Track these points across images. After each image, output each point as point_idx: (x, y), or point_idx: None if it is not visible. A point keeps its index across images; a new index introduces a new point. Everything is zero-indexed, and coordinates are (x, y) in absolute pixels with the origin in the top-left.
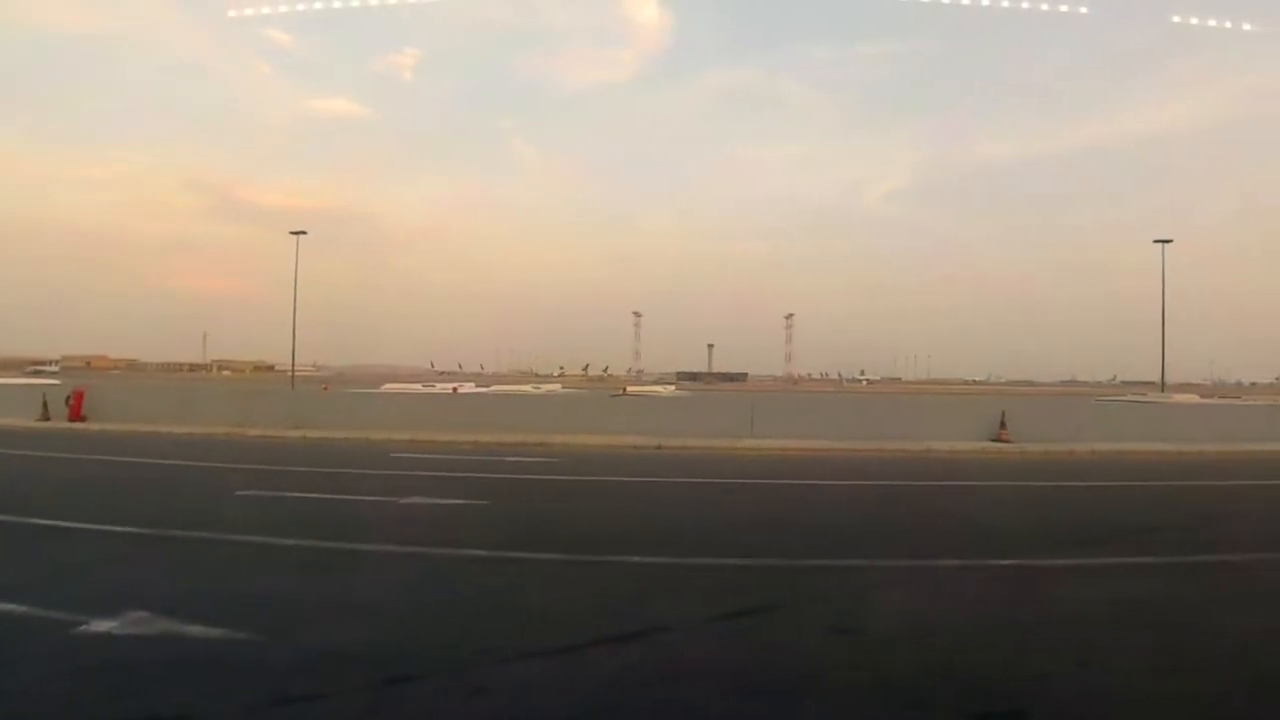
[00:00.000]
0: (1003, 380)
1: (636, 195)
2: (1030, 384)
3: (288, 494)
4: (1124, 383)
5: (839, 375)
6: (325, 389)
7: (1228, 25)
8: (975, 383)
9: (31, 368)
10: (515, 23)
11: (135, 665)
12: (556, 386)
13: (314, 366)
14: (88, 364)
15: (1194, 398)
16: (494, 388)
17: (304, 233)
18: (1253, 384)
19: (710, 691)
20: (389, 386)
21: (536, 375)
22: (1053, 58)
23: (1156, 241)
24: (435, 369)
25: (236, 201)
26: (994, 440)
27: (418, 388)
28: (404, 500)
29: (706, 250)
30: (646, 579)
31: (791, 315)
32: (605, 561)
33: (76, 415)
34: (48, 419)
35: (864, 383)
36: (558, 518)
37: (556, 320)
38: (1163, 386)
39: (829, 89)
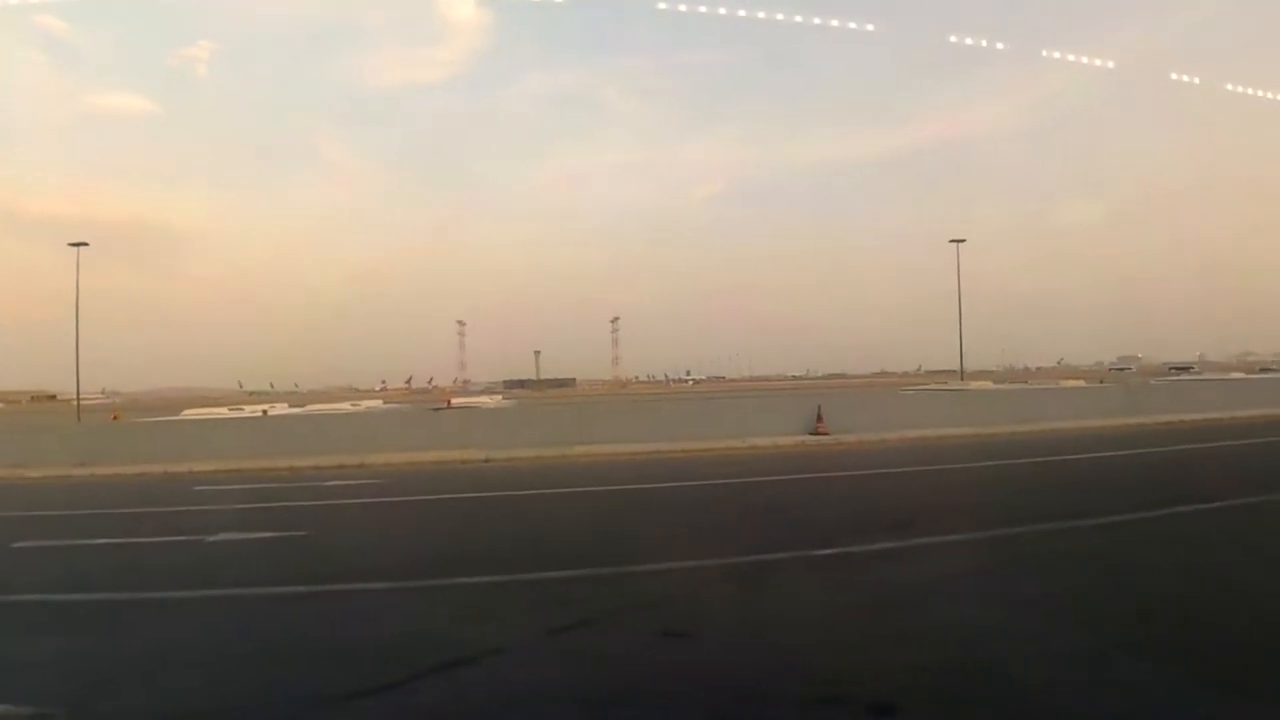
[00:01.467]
0: (819, 374)
1: (456, 200)
2: (844, 377)
3: (76, 542)
4: (928, 372)
5: (665, 376)
6: (115, 418)
7: (999, 46)
8: (795, 378)
9: None
10: (323, 17)
11: None
12: (378, 402)
13: (103, 393)
14: None
15: (989, 384)
16: (309, 407)
17: (85, 244)
18: (1038, 368)
19: (545, 711)
20: (191, 412)
21: (356, 391)
22: (852, 70)
23: (952, 241)
24: (244, 389)
25: (4, 210)
26: (813, 433)
27: (224, 411)
28: (211, 538)
29: (531, 256)
30: (476, 600)
31: (617, 319)
32: (432, 586)
33: None
34: None
35: (690, 383)
36: (380, 544)
37: (377, 333)
38: (961, 375)
39: (649, 95)
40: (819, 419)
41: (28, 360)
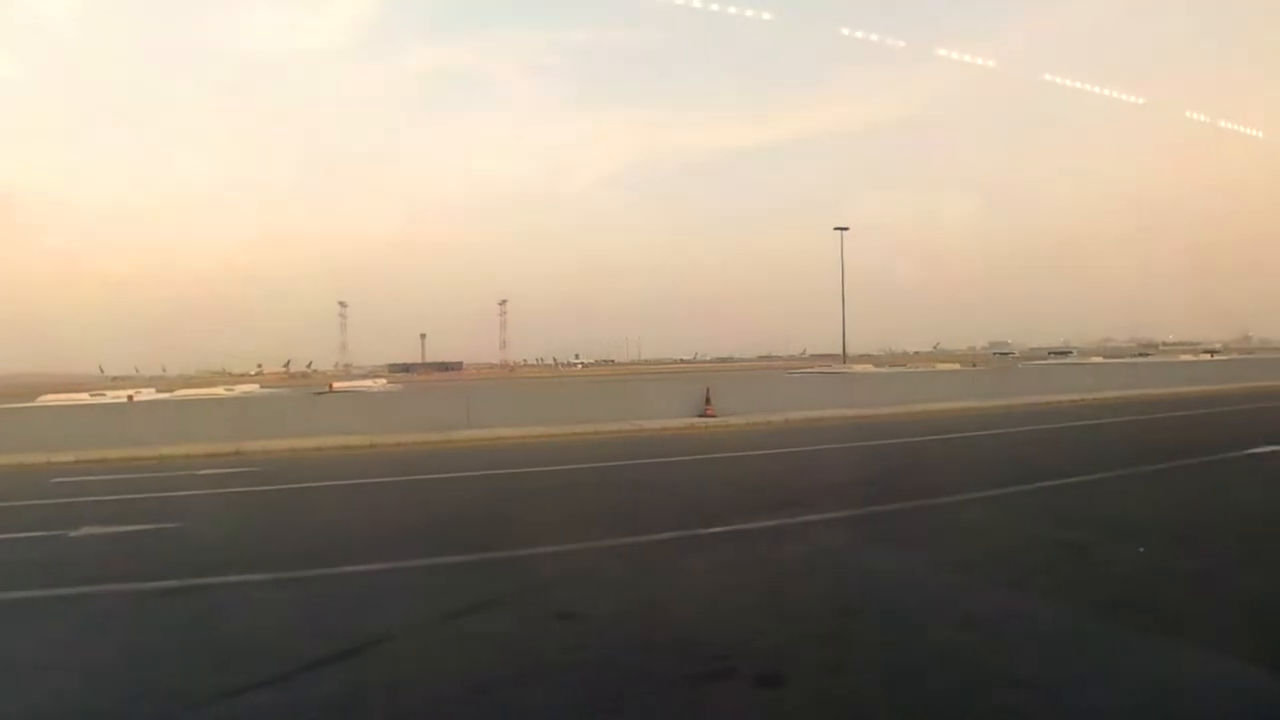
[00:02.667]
0: (708, 358)
1: (338, 176)
2: (732, 360)
3: None
4: (812, 355)
5: (554, 360)
6: None
7: (889, 42)
8: (683, 362)
9: None
10: None
11: None
12: (254, 387)
13: None
14: None
15: (870, 367)
16: (180, 392)
17: None
18: (915, 352)
19: (439, 696)
20: (47, 398)
21: (230, 376)
22: (746, 58)
23: (836, 229)
24: (106, 374)
25: None
26: (701, 416)
27: (85, 397)
28: (74, 533)
29: (416, 235)
30: (364, 589)
31: (505, 301)
32: (318, 576)
33: None
34: None
35: (579, 366)
36: (261, 533)
37: (252, 314)
38: (844, 358)
39: (540, 74)
40: (707, 402)
41: None
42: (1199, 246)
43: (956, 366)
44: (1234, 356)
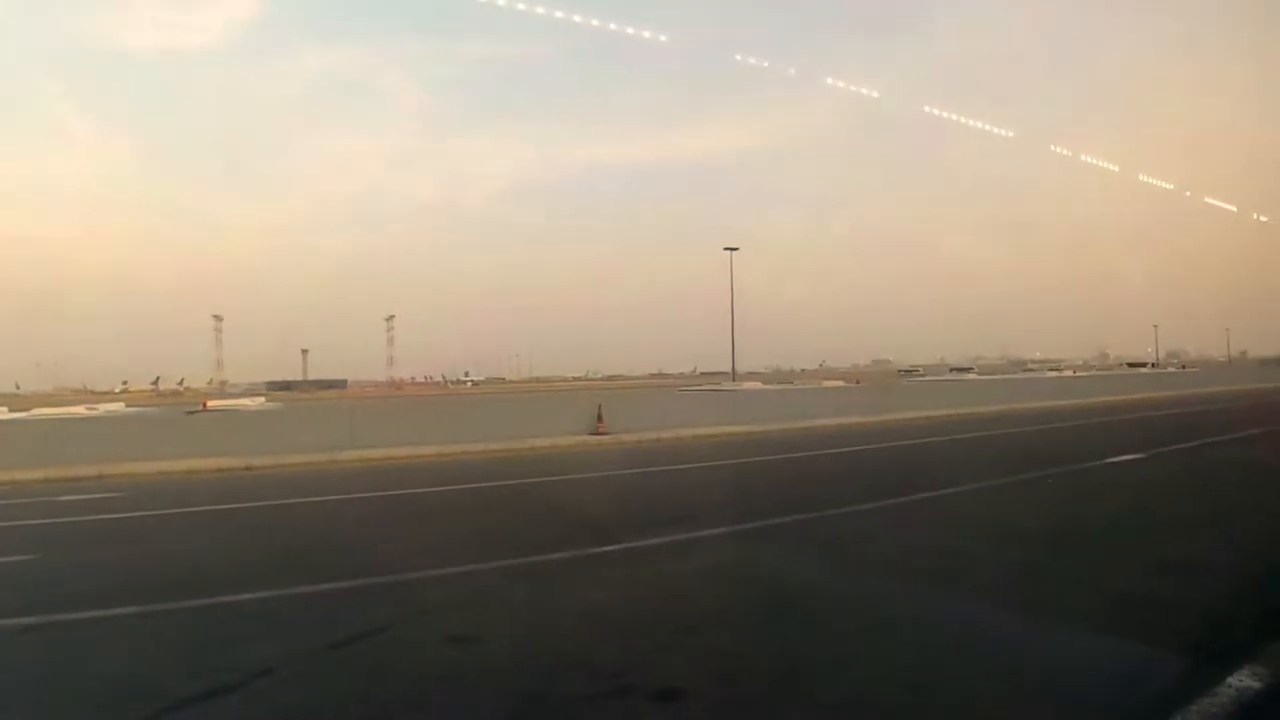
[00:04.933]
0: (599, 375)
1: (216, 182)
2: (624, 378)
3: None
4: (702, 373)
5: (444, 378)
6: None
7: (780, 69)
8: (575, 379)
9: None
10: None
11: None
12: (119, 405)
13: None
14: None
15: (758, 385)
16: (35, 411)
17: None
18: (802, 370)
19: None
20: None
21: (92, 394)
22: (643, 79)
23: (726, 249)
24: None
25: None
26: (593, 433)
27: None
28: None
29: (298, 247)
30: (242, 620)
31: (393, 317)
32: (190, 607)
33: None
34: None
35: (469, 384)
36: (127, 564)
37: (119, 327)
38: (734, 376)
39: (433, 84)
40: (599, 419)
41: None
42: (1063, 270)
43: (841, 383)
44: (1094, 373)
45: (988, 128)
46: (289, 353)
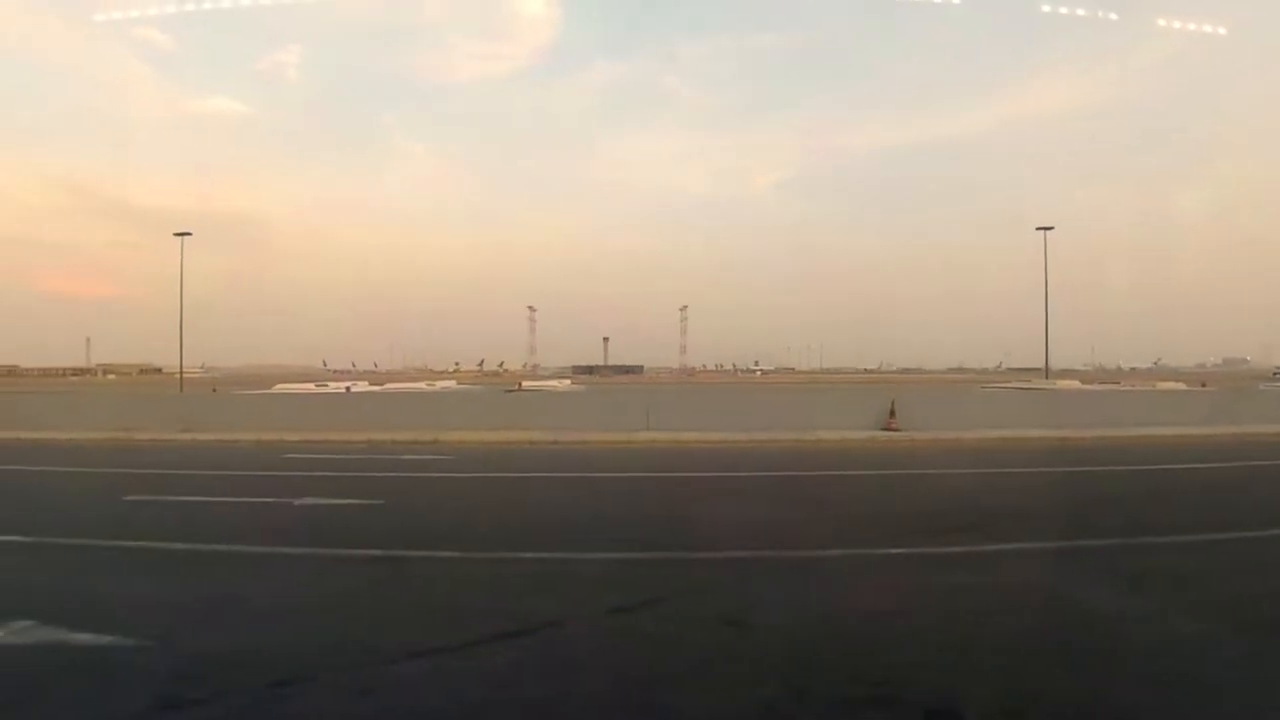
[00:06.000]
0: (893, 369)
1: (526, 189)
2: (920, 372)
3: (177, 498)
4: (1010, 369)
5: (734, 366)
6: (214, 390)
7: (1098, 15)
8: (867, 372)
9: None
10: (400, 18)
11: (20, 674)
12: (452, 383)
13: (202, 368)
14: None
15: (1076, 384)
16: (388, 386)
17: (188, 234)
18: (1132, 369)
19: (599, 684)
20: (281, 387)
21: (431, 372)
22: (930, 47)
23: (1039, 229)
24: (328, 368)
25: (117, 204)
26: (884, 429)
27: (310, 387)
28: (297, 502)
29: (599, 244)
30: (540, 575)
31: (686, 307)
32: (499, 558)
33: None
34: None
35: (758, 373)
36: (451, 515)
37: (451, 316)
38: (1046, 373)
39: (713, 81)
40: (891, 414)
41: (137, 337)
42: None
43: (1181, 386)
44: None
45: None
46: (592, 340)
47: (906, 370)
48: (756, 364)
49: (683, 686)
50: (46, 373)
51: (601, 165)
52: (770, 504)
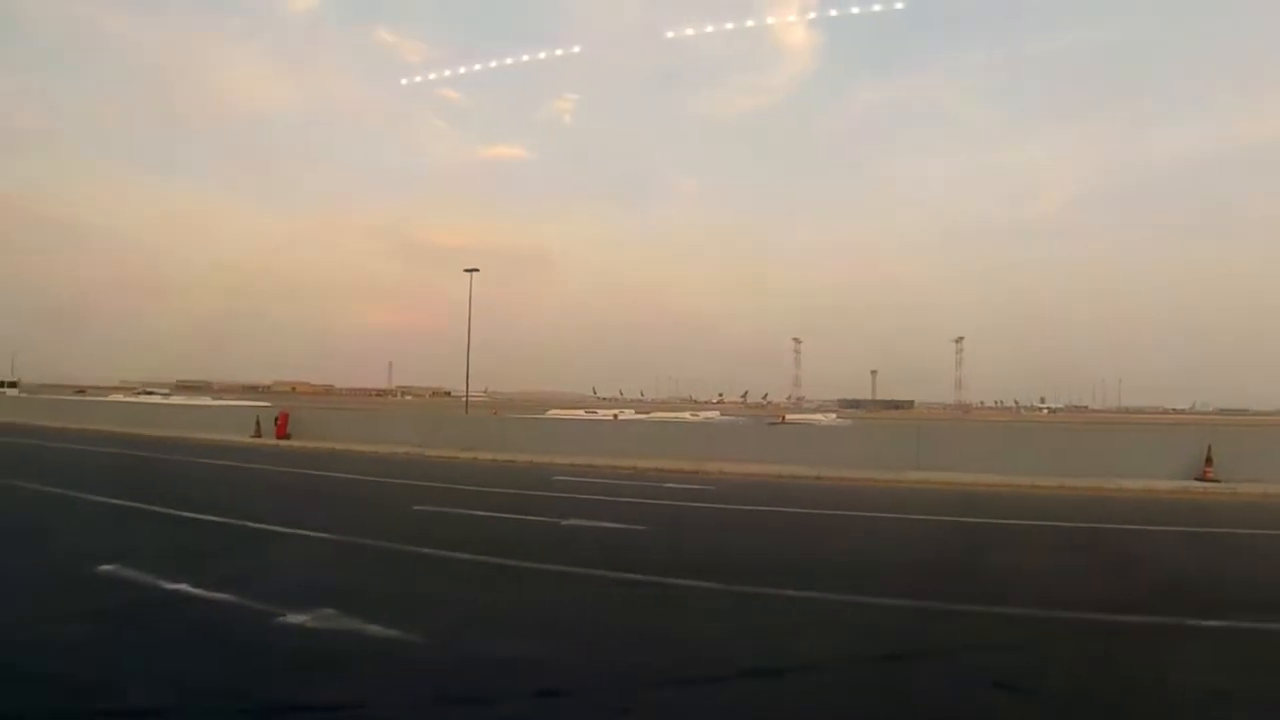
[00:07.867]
0: (1211, 409)
1: (793, 220)
2: (1244, 413)
3: (458, 510)
4: None
5: (1015, 403)
6: (495, 413)
7: None
8: (1177, 412)
9: (142, 389)
10: (668, 61)
11: (321, 656)
12: (715, 413)
13: (484, 392)
14: (293, 389)
15: None
16: (653, 414)
17: (476, 270)
18: None
19: None
20: (553, 412)
21: (695, 402)
22: (1244, 32)
23: None
24: (597, 395)
25: (417, 243)
26: (1198, 479)
27: (580, 413)
28: (565, 522)
29: (865, 272)
30: (800, 614)
31: (962, 339)
32: (759, 594)
33: (281, 434)
34: (259, 436)
35: (1045, 411)
36: (713, 546)
37: (715, 347)
38: None
39: (986, 95)
40: (1208, 461)
41: (430, 362)
42: None
43: None
44: None
45: None
46: (859, 372)
47: (1226, 411)
48: (1043, 400)
49: None
50: (355, 392)
51: (866, 191)
52: (1060, 557)
